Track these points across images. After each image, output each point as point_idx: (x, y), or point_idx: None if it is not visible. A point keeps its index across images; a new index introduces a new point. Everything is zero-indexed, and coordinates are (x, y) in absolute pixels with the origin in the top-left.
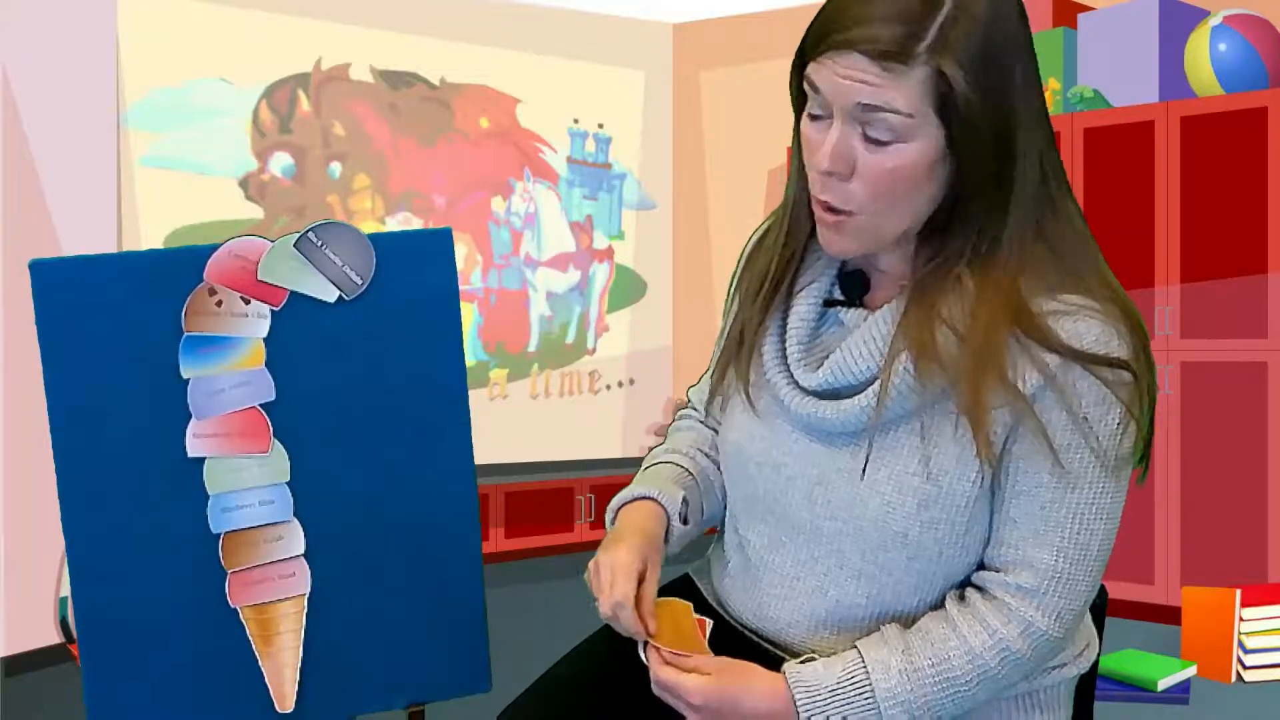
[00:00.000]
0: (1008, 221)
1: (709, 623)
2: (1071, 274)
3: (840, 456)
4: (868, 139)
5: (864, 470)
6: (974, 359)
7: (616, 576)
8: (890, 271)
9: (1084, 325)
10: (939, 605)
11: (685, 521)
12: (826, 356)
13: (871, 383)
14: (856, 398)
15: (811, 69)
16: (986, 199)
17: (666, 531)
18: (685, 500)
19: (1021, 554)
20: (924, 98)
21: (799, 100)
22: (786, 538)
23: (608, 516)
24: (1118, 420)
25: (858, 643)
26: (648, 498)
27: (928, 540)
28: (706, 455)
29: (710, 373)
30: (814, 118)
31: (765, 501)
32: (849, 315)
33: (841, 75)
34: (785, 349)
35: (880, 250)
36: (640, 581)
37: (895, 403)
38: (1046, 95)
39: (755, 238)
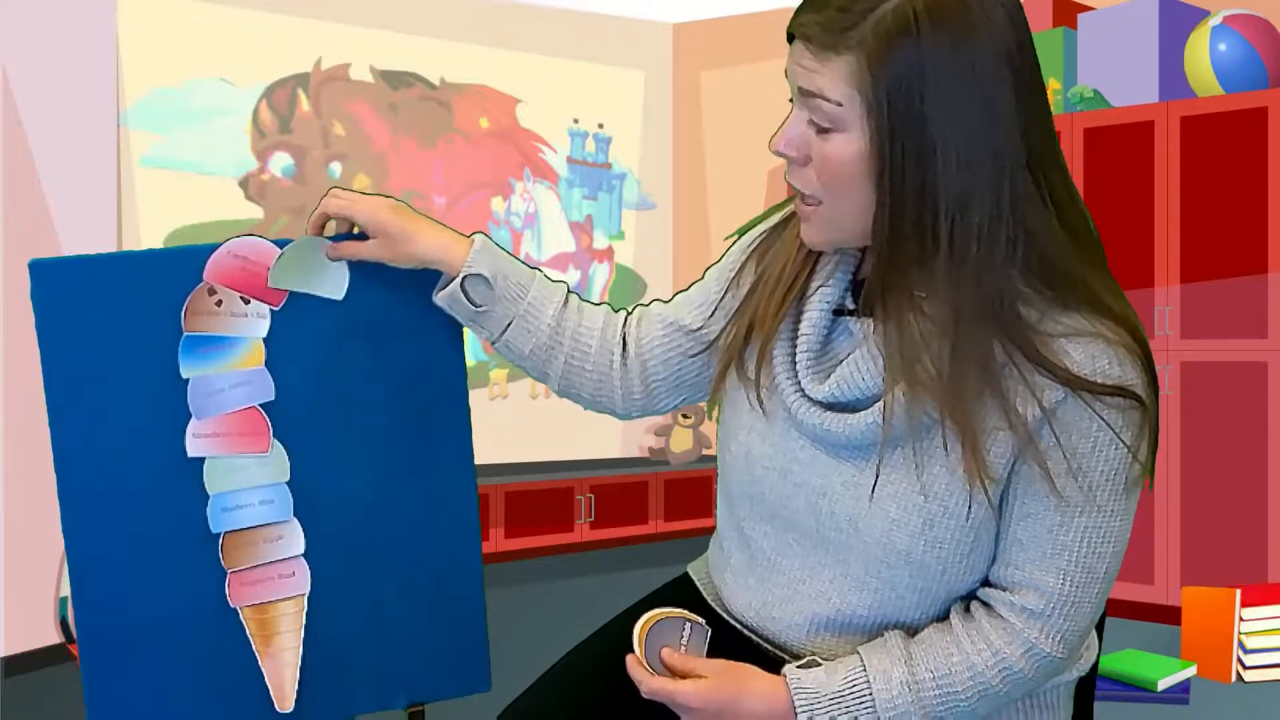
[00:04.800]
0: (953, 236)
1: (708, 631)
2: (1075, 296)
3: (845, 469)
4: (814, 126)
5: (872, 489)
6: (963, 380)
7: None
8: None
9: (1091, 350)
10: (942, 617)
11: (473, 298)
12: (835, 367)
13: (880, 398)
14: (862, 414)
15: None
16: (915, 210)
17: (456, 284)
18: (488, 282)
19: (1028, 576)
20: (852, 88)
21: None
22: (794, 541)
23: None
24: (1127, 444)
25: (860, 649)
26: (471, 239)
27: (931, 559)
28: (575, 324)
29: (692, 309)
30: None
31: (772, 506)
32: (859, 326)
33: (791, 60)
34: (795, 356)
35: (848, 245)
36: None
37: (904, 421)
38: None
39: (769, 225)
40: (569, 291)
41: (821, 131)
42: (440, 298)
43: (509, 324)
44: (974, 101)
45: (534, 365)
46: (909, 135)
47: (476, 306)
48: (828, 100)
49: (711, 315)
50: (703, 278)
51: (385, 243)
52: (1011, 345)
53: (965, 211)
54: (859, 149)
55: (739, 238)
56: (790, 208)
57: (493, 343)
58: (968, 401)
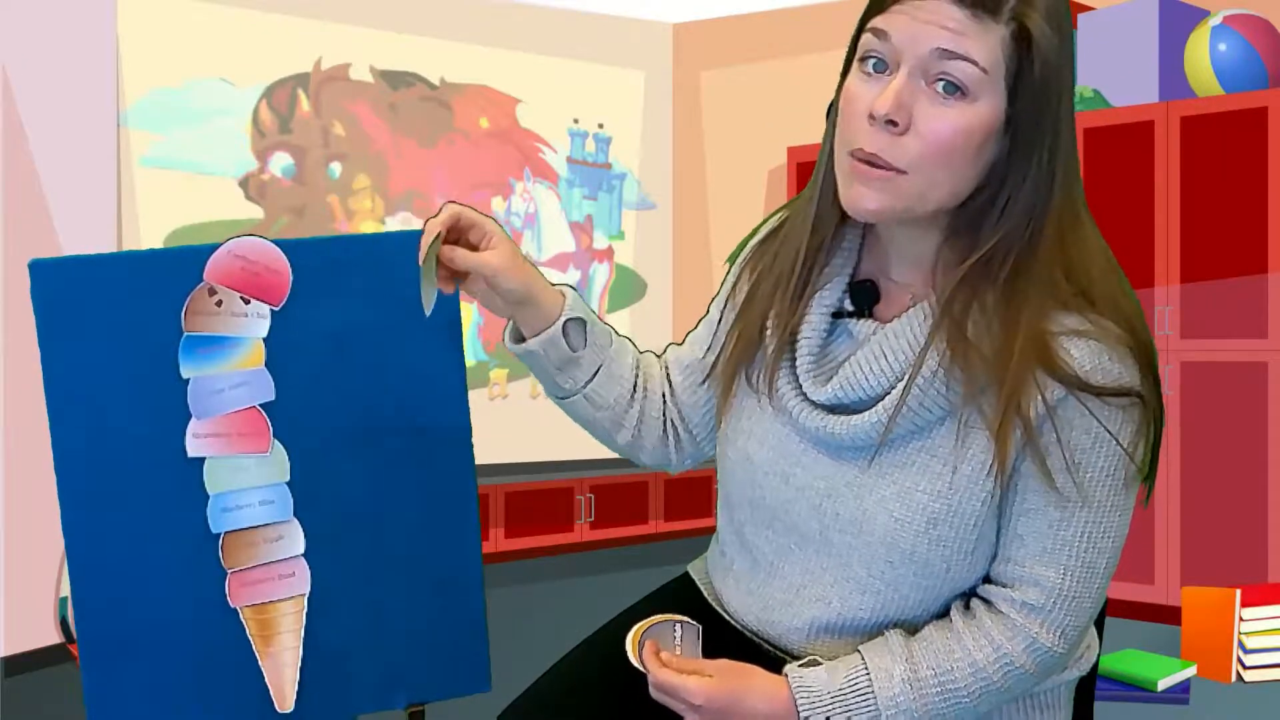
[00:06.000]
0: (1043, 225)
1: (698, 627)
2: (1087, 294)
3: (848, 470)
4: (932, 94)
5: (880, 488)
6: (1001, 383)
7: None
8: (902, 281)
9: (1093, 349)
10: (943, 615)
11: (570, 344)
12: (835, 369)
13: (882, 398)
14: (866, 414)
15: (882, 19)
16: (1027, 189)
17: (552, 332)
18: (584, 324)
19: (1028, 571)
20: (1000, 57)
21: (850, 62)
22: (795, 545)
23: None
24: (1127, 441)
25: (861, 647)
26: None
27: (935, 557)
28: (643, 371)
29: (698, 355)
30: (869, 75)
31: (773, 510)
32: (859, 327)
33: (922, 19)
34: (795, 359)
35: (909, 217)
36: (462, 233)
37: (907, 419)
38: None
39: (762, 236)
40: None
41: (942, 100)
42: (534, 343)
43: (596, 370)
44: (1070, 95)
45: (610, 417)
46: (1045, 119)
47: (573, 352)
48: (974, 64)
49: (713, 342)
50: (707, 312)
51: (503, 257)
52: (1028, 340)
53: (1063, 194)
54: (984, 121)
55: (732, 264)
56: (778, 217)
57: (571, 395)
58: (1022, 380)
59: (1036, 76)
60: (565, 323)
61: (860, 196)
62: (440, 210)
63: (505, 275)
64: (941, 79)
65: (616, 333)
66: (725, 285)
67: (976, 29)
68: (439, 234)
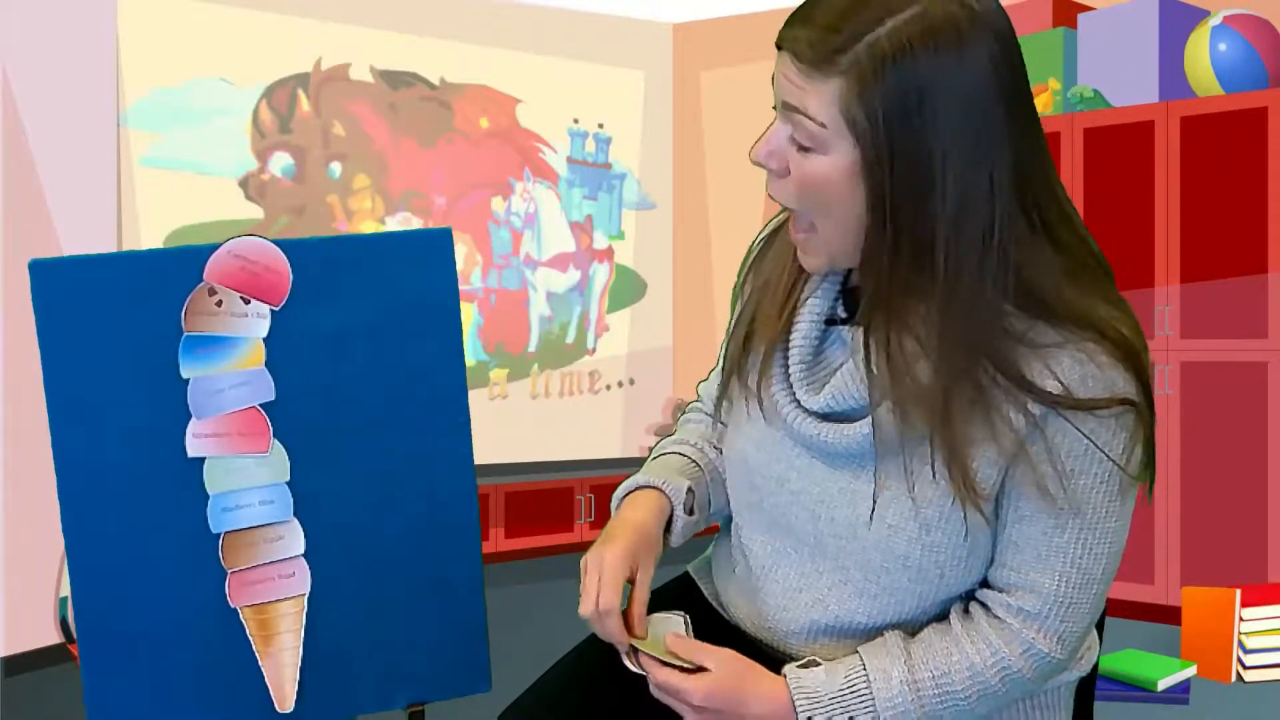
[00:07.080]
0: (948, 261)
1: (684, 618)
2: (1062, 314)
3: (842, 477)
4: (794, 141)
5: (873, 500)
6: (950, 401)
7: (603, 581)
8: None
9: (1078, 359)
10: (941, 618)
11: (691, 513)
12: (830, 376)
13: (877, 406)
14: (858, 424)
15: None
16: (912, 236)
17: (671, 521)
18: (691, 491)
19: (1024, 578)
20: (837, 111)
21: None
22: (791, 549)
23: (612, 505)
24: (1121, 448)
25: (860, 649)
26: (652, 487)
27: (929, 563)
28: (716, 448)
29: (720, 369)
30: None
31: (770, 514)
32: (851, 334)
33: (778, 70)
34: (788, 367)
35: (847, 264)
36: (632, 581)
37: (889, 435)
38: (1046, 98)
39: (764, 235)
40: (686, 433)
41: (802, 149)
42: (676, 541)
43: (709, 498)
44: (968, 128)
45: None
46: (904, 162)
47: (696, 514)
48: (811, 120)
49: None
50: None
51: (654, 559)
52: (996, 366)
53: (960, 236)
54: (841, 170)
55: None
56: (780, 218)
57: (707, 518)
58: (955, 421)
59: (883, 122)
60: (688, 509)
61: (804, 262)
62: (598, 615)
63: (655, 563)
64: (795, 132)
65: (686, 447)
66: (735, 295)
67: (812, 85)
68: (628, 633)
